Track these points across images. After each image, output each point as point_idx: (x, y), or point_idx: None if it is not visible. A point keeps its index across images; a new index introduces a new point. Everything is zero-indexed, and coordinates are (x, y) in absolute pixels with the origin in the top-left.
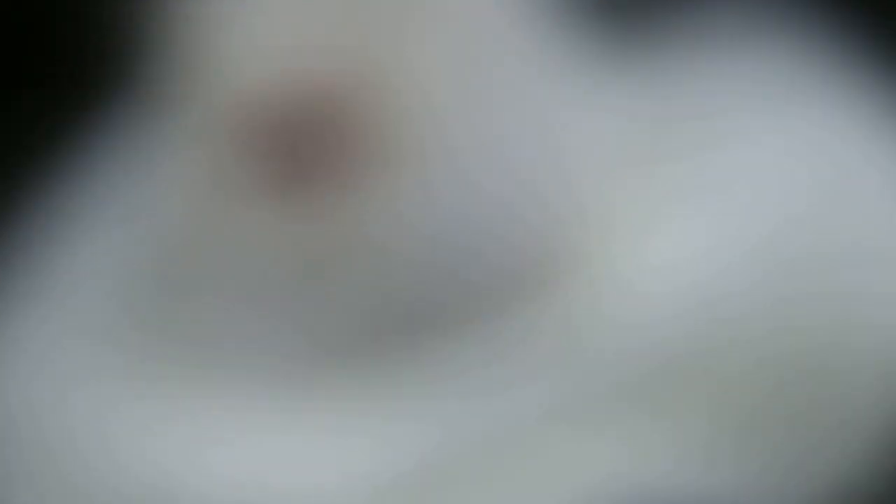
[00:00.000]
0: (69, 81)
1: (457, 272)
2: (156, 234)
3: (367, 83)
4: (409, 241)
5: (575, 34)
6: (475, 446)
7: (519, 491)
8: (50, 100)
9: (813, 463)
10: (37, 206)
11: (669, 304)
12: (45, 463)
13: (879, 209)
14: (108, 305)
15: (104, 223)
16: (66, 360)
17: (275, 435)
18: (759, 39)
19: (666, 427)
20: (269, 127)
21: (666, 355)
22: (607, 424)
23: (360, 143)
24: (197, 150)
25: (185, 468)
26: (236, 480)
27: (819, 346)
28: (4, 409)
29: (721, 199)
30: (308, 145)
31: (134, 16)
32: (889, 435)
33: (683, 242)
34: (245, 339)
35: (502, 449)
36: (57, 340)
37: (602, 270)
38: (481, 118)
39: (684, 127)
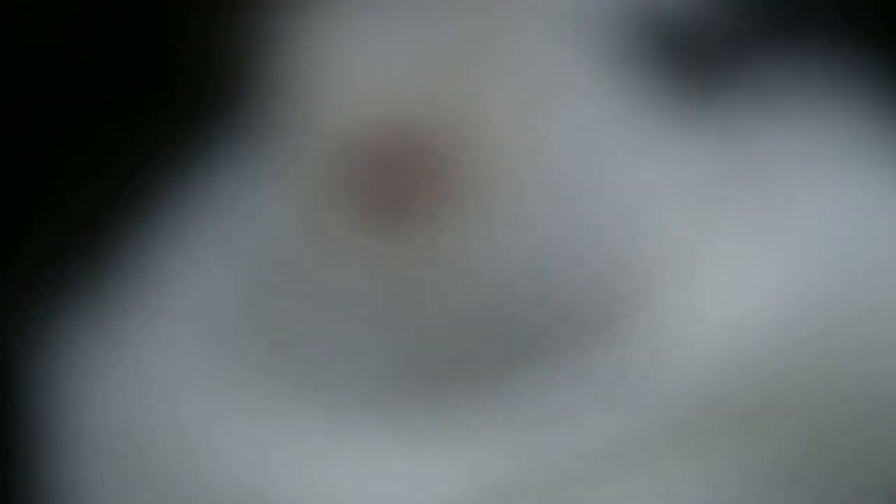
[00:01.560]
0: (180, 107)
1: (526, 309)
2: (261, 252)
3: (456, 122)
4: (486, 273)
5: (644, 84)
6: (541, 475)
7: None
8: (162, 121)
9: None
10: (150, 219)
11: (724, 349)
12: (154, 462)
13: None
14: (218, 317)
15: (213, 238)
16: (176, 365)
17: (360, 455)
18: (821, 94)
19: (709, 468)
20: (365, 159)
21: (717, 398)
22: (654, 463)
23: (445, 180)
24: (298, 177)
25: (284, 480)
26: (329, 496)
27: (866, 393)
28: (117, 410)
29: (777, 249)
30: (400, 179)
31: (241, 49)
32: None
33: (740, 289)
34: (340, 359)
35: (563, 480)
36: (167, 346)
37: (658, 314)
38: (555, 159)
39: (744, 177)
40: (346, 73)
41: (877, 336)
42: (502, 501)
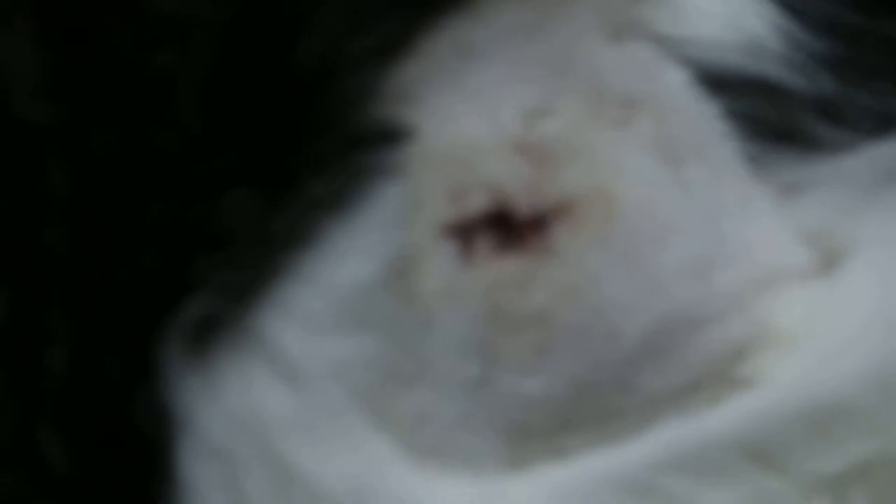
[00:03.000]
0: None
1: (628, 363)
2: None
3: (566, 167)
4: (588, 322)
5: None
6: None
7: None
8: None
9: None
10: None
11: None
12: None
13: None
14: (328, 349)
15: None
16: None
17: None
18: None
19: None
20: (474, 201)
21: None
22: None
23: (553, 223)
24: (410, 214)
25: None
26: None
27: None
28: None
29: (867, 307)
30: (506, 220)
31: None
32: None
33: (827, 347)
34: (441, 413)
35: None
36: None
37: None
38: (665, 213)
39: (829, 236)
40: (453, 119)
41: None
42: None
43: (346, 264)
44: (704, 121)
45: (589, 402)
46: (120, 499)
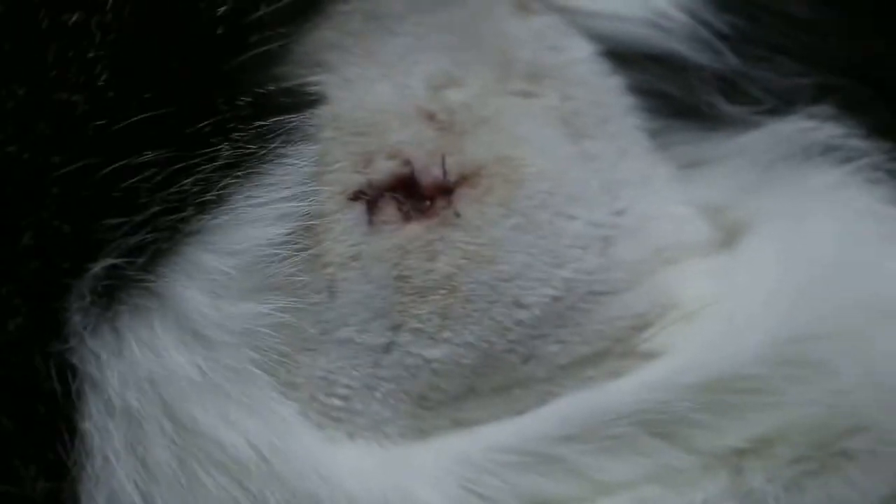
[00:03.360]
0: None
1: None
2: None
3: (472, 137)
4: (491, 290)
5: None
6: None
7: None
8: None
9: None
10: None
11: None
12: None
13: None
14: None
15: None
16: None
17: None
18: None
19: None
20: (385, 165)
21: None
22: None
23: (458, 191)
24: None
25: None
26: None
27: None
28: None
29: (767, 282)
30: (412, 187)
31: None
32: None
33: (728, 322)
34: (345, 380)
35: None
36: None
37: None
38: (567, 184)
39: (730, 212)
40: (364, 87)
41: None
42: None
43: (253, 228)
44: (608, 95)
45: (492, 372)
46: (22, 456)
